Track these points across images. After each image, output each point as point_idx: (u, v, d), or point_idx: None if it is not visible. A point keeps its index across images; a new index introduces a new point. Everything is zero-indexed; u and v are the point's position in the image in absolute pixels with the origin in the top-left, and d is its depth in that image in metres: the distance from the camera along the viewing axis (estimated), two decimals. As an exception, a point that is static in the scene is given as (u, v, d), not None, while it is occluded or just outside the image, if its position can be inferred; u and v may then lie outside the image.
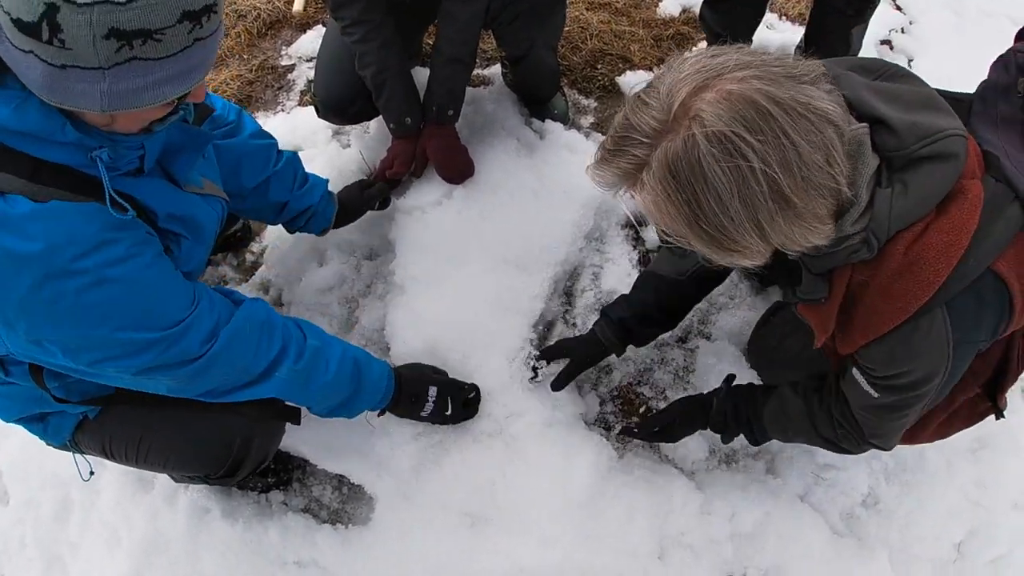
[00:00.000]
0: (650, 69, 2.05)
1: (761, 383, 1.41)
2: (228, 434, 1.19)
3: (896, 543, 1.46)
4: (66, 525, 1.54)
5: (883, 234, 0.78)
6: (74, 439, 1.19)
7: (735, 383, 1.30)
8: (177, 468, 1.28)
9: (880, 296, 0.83)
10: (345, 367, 1.22)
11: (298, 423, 1.28)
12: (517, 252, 1.61)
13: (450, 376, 1.47)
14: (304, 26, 2.20)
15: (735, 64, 0.70)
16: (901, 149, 0.77)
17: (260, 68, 2.11)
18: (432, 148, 1.63)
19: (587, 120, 1.97)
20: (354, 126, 1.86)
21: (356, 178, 1.81)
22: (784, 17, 2.22)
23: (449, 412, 1.41)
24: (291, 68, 2.12)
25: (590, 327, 1.44)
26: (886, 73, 0.85)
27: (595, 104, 2.00)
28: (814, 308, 0.92)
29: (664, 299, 1.34)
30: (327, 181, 1.55)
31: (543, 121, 1.86)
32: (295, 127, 1.92)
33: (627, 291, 1.66)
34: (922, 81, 0.85)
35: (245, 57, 2.14)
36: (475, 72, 1.93)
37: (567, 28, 1.97)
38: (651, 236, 1.75)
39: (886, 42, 2.21)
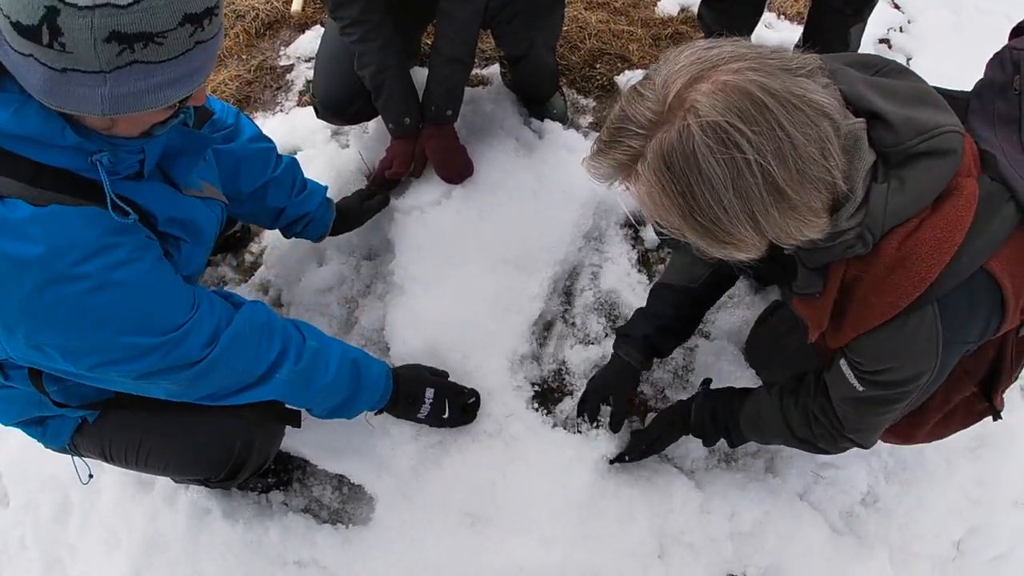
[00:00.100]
0: (648, 68, 2.05)
1: (742, 386, 1.42)
2: (228, 438, 1.19)
3: (896, 541, 1.46)
4: (66, 526, 1.54)
5: (878, 229, 0.78)
6: (73, 443, 1.19)
7: (712, 387, 1.31)
8: (177, 472, 1.28)
9: (872, 290, 0.83)
10: (344, 368, 1.22)
11: (298, 426, 1.28)
12: (516, 252, 1.61)
13: (450, 377, 1.47)
14: (303, 26, 2.20)
15: (731, 55, 0.70)
16: (898, 145, 0.77)
17: (259, 68, 2.11)
18: (431, 148, 1.63)
19: (586, 120, 1.97)
20: (353, 126, 1.86)
21: (355, 178, 1.81)
22: (783, 16, 2.22)
23: (446, 415, 1.41)
24: (289, 68, 2.12)
25: (611, 355, 1.41)
26: (884, 69, 0.85)
27: (594, 103, 2.00)
28: (809, 303, 0.92)
29: (682, 310, 1.34)
30: (326, 188, 1.55)
31: (542, 121, 1.86)
32: (294, 127, 1.92)
33: (627, 291, 1.67)
34: (919, 77, 0.85)
35: (244, 57, 2.14)
36: (474, 72, 1.93)
37: (565, 28, 1.97)
38: (650, 235, 1.75)
39: (884, 41, 2.21)
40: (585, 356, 1.60)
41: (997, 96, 0.87)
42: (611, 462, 1.44)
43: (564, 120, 1.89)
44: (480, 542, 1.40)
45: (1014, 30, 0.96)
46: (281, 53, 2.15)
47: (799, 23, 2.16)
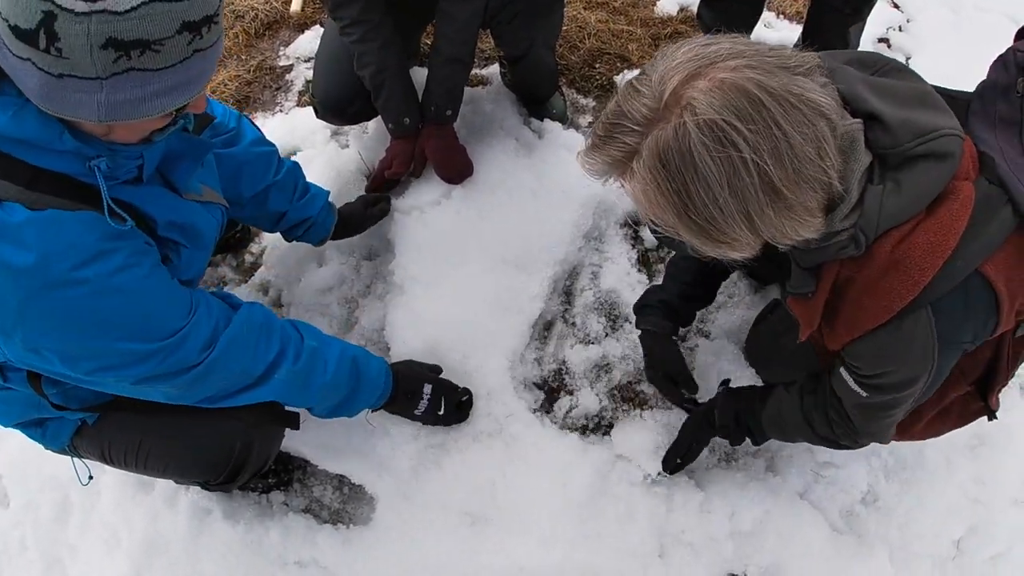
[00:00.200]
0: (648, 68, 2.05)
1: (761, 383, 1.42)
2: (227, 440, 1.19)
3: (896, 540, 1.46)
4: (66, 527, 1.54)
5: (872, 231, 0.77)
6: (73, 444, 1.19)
7: (731, 386, 1.31)
8: (176, 474, 1.28)
9: (866, 293, 0.83)
10: (343, 366, 1.22)
11: (297, 428, 1.28)
12: (516, 252, 1.61)
13: (451, 377, 1.47)
14: (302, 26, 2.19)
15: (728, 53, 0.70)
16: (895, 147, 0.76)
17: (258, 69, 2.11)
18: (431, 148, 1.63)
19: (585, 119, 1.97)
20: (352, 126, 1.86)
21: (355, 178, 1.81)
22: (782, 16, 2.22)
23: (442, 412, 1.41)
24: (289, 68, 2.12)
25: (639, 337, 1.40)
26: (883, 68, 0.84)
27: (593, 103, 2.00)
28: (802, 302, 0.92)
29: (698, 276, 1.33)
30: (328, 193, 1.55)
31: (542, 121, 1.86)
32: (293, 128, 1.92)
33: (627, 290, 1.67)
34: (919, 77, 0.84)
35: (243, 58, 2.14)
36: (473, 72, 1.93)
37: (565, 27, 1.97)
38: (650, 235, 1.75)
39: (884, 40, 2.21)
40: (585, 356, 1.60)
41: (999, 98, 0.87)
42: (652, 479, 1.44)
43: (564, 120, 1.89)
44: (480, 542, 1.40)
45: (1020, 32, 0.95)
46: (280, 53, 2.15)
47: (798, 22, 2.16)
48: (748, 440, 1.28)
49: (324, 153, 1.86)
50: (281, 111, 2.03)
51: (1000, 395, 1.09)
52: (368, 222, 1.64)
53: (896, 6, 2.30)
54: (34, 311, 0.86)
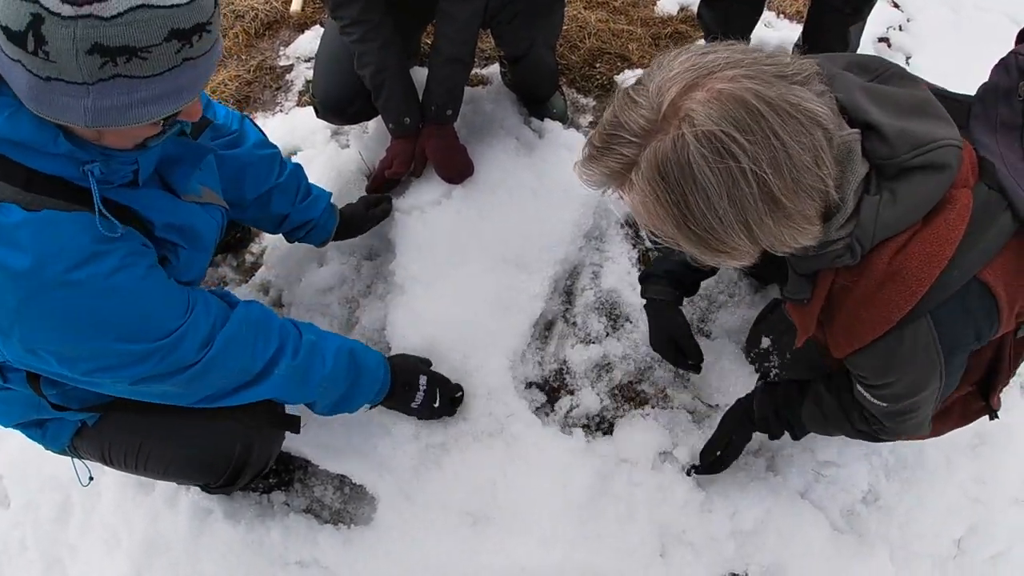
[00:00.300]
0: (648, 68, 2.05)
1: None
2: (227, 443, 1.19)
3: (896, 540, 1.46)
4: (66, 527, 1.54)
5: (867, 241, 0.78)
6: (73, 445, 1.19)
7: (768, 389, 1.30)
8: (176, 477, 1.28)
9: (863, 305, 0.83)
10: (341, 359, 1.22)
11: (297, 431, 1.28)
12: (517, 251, 1.61)
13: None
14: (302, 26, 2.19)
15: (725, 62, 0.70)
16: (892, 157, 0.76)
17: (258, 68, 2.11)
18: (431, 148, 1.63)
19: (586, 119, 1.97)
20: (353, 126, 1.86)
21: (355, 178, 1.81)
22: (782, 15, 2.22)
23: (437, 404, 1.41)
24: (289, 68, 2.12)
25: (645, 306, 1.39)
26: (884, 74, 0.84)
27: (594, 103, 2.00)
28: (798, 308, 0.93)
29: None
30: (330, 194, 1.55)
31: (542, 120, 1.86)
32: (294, 127, 1.92)
33: (627, 290, 1.67)
34: (920, 84, 0.84)
35: (243, 58, 2.14)
36: (473, 72, 1.93)
37: (565, 27, 1.97)
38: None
39: (884, 39, 2.21)
40: (586, 356, 1.60)
41: (1000, 102, 0.87)
42: (690, 473, 1.42)
43: (564, 119, 1.89)
44: (481, 542, 1.40)
45: (1020, 34, 0.95)
46: (280, 53, 2.15)
47: (798, 22, 2.16)
48: (787, 434, 1.27)
49: (324, 153, 1.86)
50: (281, 111, 2.03)
51: (1001, 394, 1.10)
52: (370, 223, 1.64)
53: (896, 5, 2.30)
54: (31, 312, 0.86)
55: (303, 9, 2.22)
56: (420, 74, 1.66)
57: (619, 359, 1.61)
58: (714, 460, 1.37)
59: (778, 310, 1.41)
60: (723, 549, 1.40)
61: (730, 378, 1.55)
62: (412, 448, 1.47)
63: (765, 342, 1.42)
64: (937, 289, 0.79)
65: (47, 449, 1.21)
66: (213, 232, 1.13)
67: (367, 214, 1.63)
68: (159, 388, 1.02)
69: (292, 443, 1.47)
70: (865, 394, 0.98)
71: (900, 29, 2.25)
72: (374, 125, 1.85)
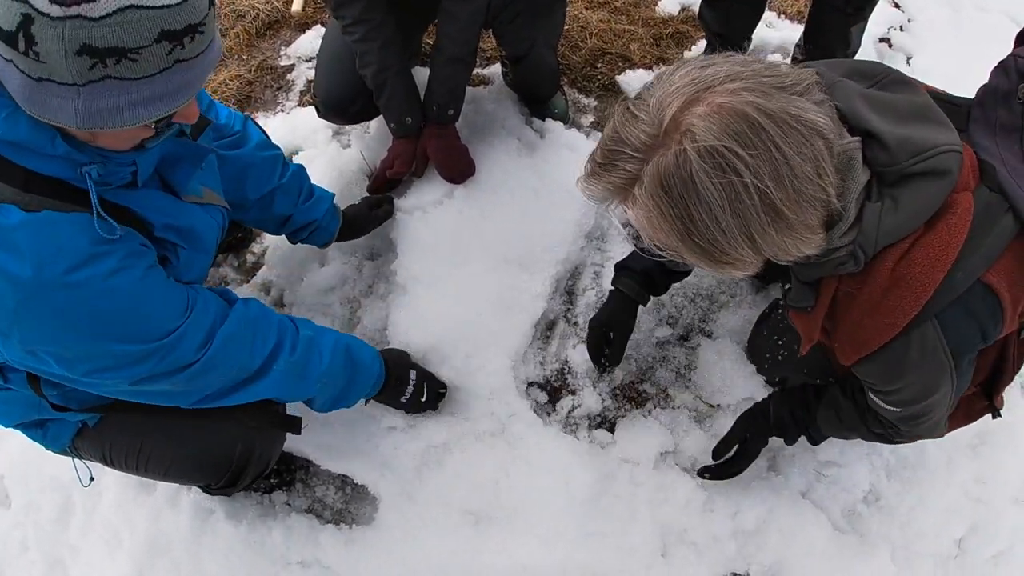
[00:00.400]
0: (650, 68, 2.05)
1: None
2: (228, 444, 1.19)
3: (897, 540, 1.47)
4: (67, 527, 1.54)
5: (871, 248, 0.78)
6: (74, 446, 1.19)
7: (785, 391, 1.30)
8: (177, 478, 1.28)
9: (868, 312, 0.84)
10: (338, 354, 1.23)
11: (298, 432, 1.28)
12: (518, 251, 1.61)
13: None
14: (303, 26, 2.19)
15: (726, 75, 0.70)
16: (892, 165, 0.76)
17: (259, 68, 2.11)
18: (433, 148, 1.63)
19: (587, 119, 1.97)
20: (354, 126, 1.86)
21: (357, 178, 1.81)
22: (783, 15, 2.22)
23: (424, 399, 1.42)
24: (290, 68, 2.11)
25: (609, 291, 1.44)
26: (883, 80, 0.84)
27: (595, 103, 2.00)
28: (802, 315, 0.93)
29: None
30: (333, 195, 1.55)
31: (543, 120, 1.86)
32: (295, 127, 1.92)
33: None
34: (919, 89, 0.84)
35: (244, 57, 2.14)
36: (475, 72, 1.93)
37: (566, 27, 1.97)
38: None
39: (885, 40, 2.21)
40: (587, 355, 1.60)
41: (1000, 104, 0.87)
42: (702, 475, 1.39)
43: (566, 119, 1.89)
44: (483, 541, 1.40)
45: (1019, 36, 0.95)
46: (282, 53, 2.15)
47: (799, 22, 2.17)
48: (804, 438, 1.27)
49: (326, 153, 1.86)
50: (282, 111, 2.03)
51: (1003, 393, 1.10)
52: (372, 224, 1.64)
53: (897, 6, 2.30)
54: (30, 313, 0.86)
55: (304, 9, 2.22)
56: (421, 74, 1.66)
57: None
58: (726, 463, 1.36)
59: (780, 310, 1.41)
60: (725, 549, 1.40)
61: (732, 378, 1.55)
62: (414, 448, 1.47)
63: (768, 344, 1.42)
64: (942, 293, 0.80)
65: (48, 449, 1.21)
66: (214, 233, 1.13)
67: (370, 215, 1.63)
68: (159, 388, 1.02)
69: (294, 443, 1.47)
70: (877, 400, 0.99)
71: (901, 29, 2.25)
72: (376, 125, 1.85)
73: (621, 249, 1.72)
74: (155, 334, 0.95)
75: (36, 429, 1.17)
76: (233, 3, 2.21)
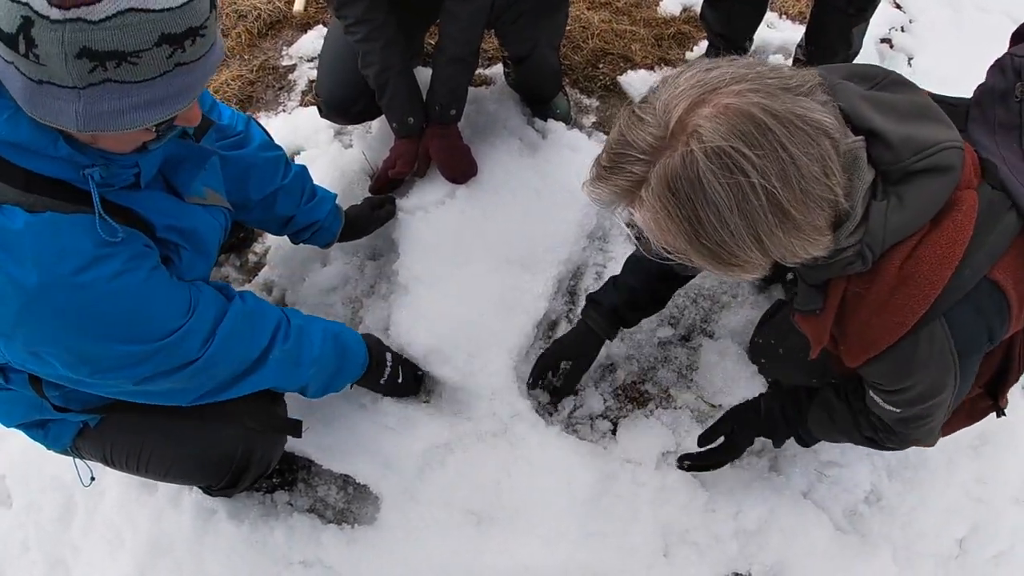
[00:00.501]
0: (651, 68, 2.05)
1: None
2: (229, 445, 1.19)
3: (899, 540, 1.47)
4: (69, 527, 1.54)
5: (878, 247, 0.78)
6: (75, 446, 1.19)
7: (779, 390, 1.31)
8: (178, 478, 1.28)
9: (876, 312, 0.84)
10: (328, 340, 1.26)
11: (299, 435, 1.29)
12: (520, 251, 1.61)
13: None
14: (305, 26, 2.19)
15: (731, 77, 0.70)
16: (897, 162, 0.77)
17: (261, 68, 2.11)
18: (435, 148, 1.63)
19: (589, 119, 1.97)
20: (356, 126, 1.86)
21: (359, 178, 1.81)
22: (784, 16, 2.23)
23: (400, 381, 1.45)
24: (292, 68, 2.11)
25: (578, 319, 1.45)
26: (883, 82, 0.85)
27: (597, 103, 2.01)
28: (810, 319, 0.92)
29: (654, 284, 1.35)
30: (335, 196, 1.55)
31: (545, 121, 1.86)
32: (296, 127, 1.92)
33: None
34: (918, 90, 0.85)
35: (246, 57, 2.14)
36: (477, 72, 1.93)
37: (568, 28, 1.97)
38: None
39: (886, 40, 2.22)
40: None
41: (998, 103, 0.87)
42: (682, 465, 1.38)
43: (567, 120, 1.89)
44: (485, 541, 1.41)
45: (1014, 35, 0.96)
46: (283, 53, 2.15)
47: (801, 23, 2.17)
48: (794, 440, 1.27)
49: (328, 153, 1.86)
50: (284, 111, 2.03)
51: (1008, 393, 1.10)
52: (374, 224, 1.65)
53: (898, 6, 2.30)
54: (33, 316, 0.86)
55: (306, 9, 2.22)
56: (424, 74, 1.66)
57: (622, 359, 1.61)
58: (707, 453, 1.35)
59: (782, 311, 1.41)
60: (726, 549, 1.40)
61: (733, 378, 1.56)
62: (416, 448, 1.47)
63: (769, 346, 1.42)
64: (950, 291, 0.80)
65: (49, 449, 1.21)
66: (216, 234, 1.13)
67: (372, 215, 1.64)
68: (162, 386, 1.02)
69: (296, 443, 1.46)
70: (879, 400, 0.98)
71: (902, 30, 2.25)
72: (378, 125, 1.85)
73: (623, 249, 1.72)
74: (158, 333, 0.96)
75: (37, 429, 1.17)
76: (235, 3, 2.20)
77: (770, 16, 2.20)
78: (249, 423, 1.19)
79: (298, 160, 1.81)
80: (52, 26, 0.70)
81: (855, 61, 1.87)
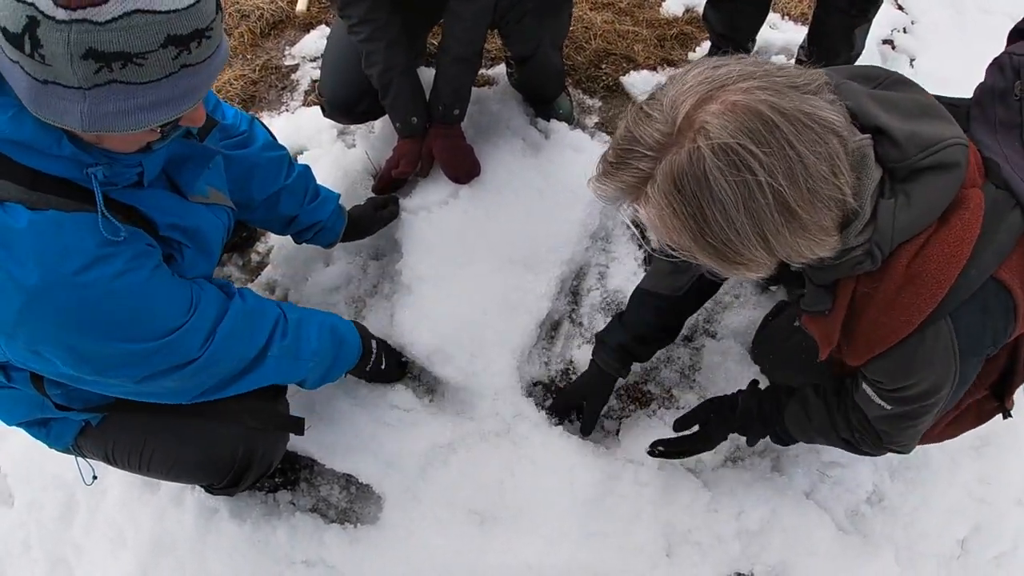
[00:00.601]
0: (654, 69, 2.05)
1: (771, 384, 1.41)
2: (231, 444, 1.19)
3: (901, 540, 1.47)
4: (70, 526, 1.54)
5: (887, 245, 0.78)
6: (77, 444, 1.19)
7: (758, 387, 1.31)
8: (180, 477, 1.28)
9: (884, 310, 0.83)
10: (325, 332, 1.26)
11: (301, 433, 1.29)
12: (523, 251, 1.61)
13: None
14: (307, 26, 2.19)
15: (739, 75, 0.70)
16: (903, 160, 0.76)
17: (264, 68, 2.11)
18: (438, 148, 1.63)
19: (592, 120, 1.97)
20: (359, 126, 1.86)
21: (362, 178, 1.81)
22: (787, 17, 2.23)
23: (384, 367, 1.46)
24: (295, 68, 2.12)
25: (590, 360, 1.43)
26: (886, 81, 0.85)
27: (599, 104, 2.01)
28: (818, 320, 0.92)
29: (664, 318, 1.34)
30: (338, 196, 1.55)
31: (548, 121, 1.87)
32: (299, 127, 1.92)
33: (631, 290, 1.66)
34: (921, 88, 0.85)
35: (249, 57, 2.14)
36: (480, 72, 1.93)
37: (571, 28, 1.97)
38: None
39: (888, 42, 2.22)
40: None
41: (998, 102, 0.87)
42: (653, 452, 1.36)
43: (570, 120, 1.89)
44: (488, 541, 1.41)
45: (1012, 33, 0.96)
46: (286, 53, 2.15)
47: (803, 24, 2.17)
48: (769, 438, 1.27)
49: (330, 153, 1.86)
50: (287, 111, 2.03)
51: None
52: (377, 225, 1.65)
53: (900, 8, 2.30)
54: (34, 316, 0.86)
55: (308, 9, 2.22)
56: (427, 74, 1.66)
57: (625, 359, 1.61)
58: (682, 440, 1.34)
59: (785, 312, 1.41)
60: (729, 549, 1.40)
61: (736, 379, 1.56)
62: (419, 447, 1.47)
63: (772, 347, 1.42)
64: (957, 290, 0.80)
65: (51, 448, 1.21)
66: (219, 233, 1.13)
67: (375, 216, 1.64)
68: (162, 384, 1.02)
69: (298, 442, 1.47)
70: (873, 396, 0.97)
71: (904, 31, 2.25)
72: (380, 125, 1.85)
73: (626, 249, 1.72)
74: (159, 332, 0.96)
75: (39, 427, 1.17)
76: (238, 3, 2.21)
77: (772, 17, 2.20)
78: (251, 421, 1.19)
79: (301, 160, 1.81)
80: (58, 26, 0.70)
81: (857, 62, 1.88)
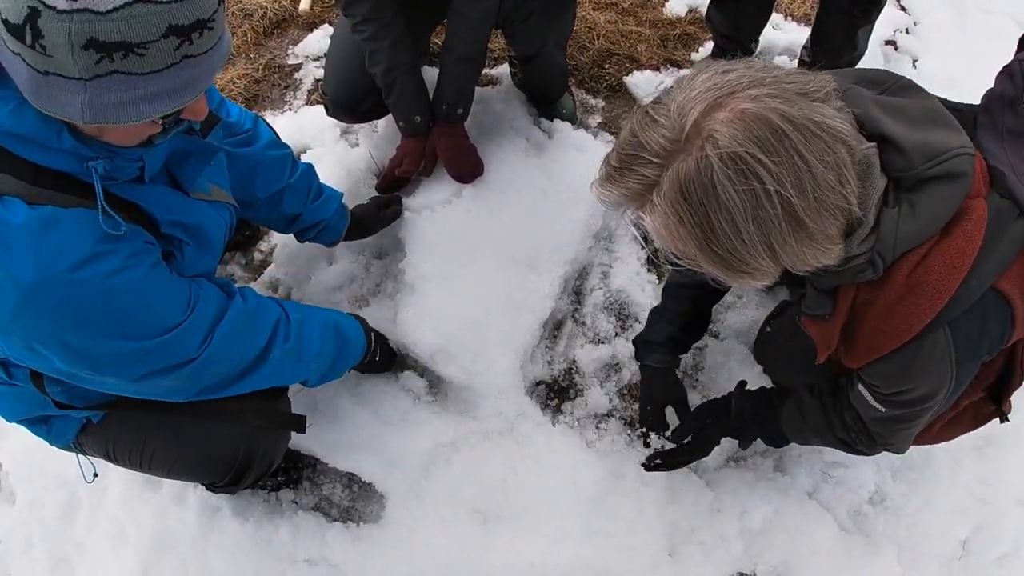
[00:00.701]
0: (657, 69, 2.05)
1: (773, 384, 1.42)
2: (232, 443, 1.19)
3: (903, 540, 1.47)
4: (72, 524, 1.54)
5: (889, 255, 0.78)
6: (78, 442, 1.19)
7: (747, 387, 1.31)
8: (181, 475, 1.28)
9: (883, 317, 0.83)
10: (328, 333, 1.26)
11: (303, 431, 1.28)
12: (527, 251, 1.61)
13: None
14: (311, 25, 2.19)
15: (748, 81, 0.69)
16: (909, 169, 0.76)
17: (267, 67, 2.11)
18: (441, 147, 1.63)
19: (595, 120, 1.97)
20: (363, 125, 1.86)
21: (365, 177, 1.81)
22: (790, 18, 2.23)
23: (378, 359, 1.47)
24: (298, 67, 2.12)
25: (640, 368, 1.39)
26: (893, 87, 0.84)
27: (603, 104, 2.01)
28: (818, 323, 0.92)
29: (699, 306, 1.35)
30: (341, 195, 1.55)
31: (551, 121, 1.87)
32: (302, 126, 1.92)
33: (636, 290, 1.68)
34: (927, 94, 0.84)
35: (252, 56, 2.14)
36: (483, 72, 1.93)
37: (574, 28, 1.97)
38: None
39: (891, 42, 2.22)
40: (595, 355, 1.60)
41: (1007, 110, 0.87)
42: (648, 466, 1.36)
43: (574, 120, 1.89)
44: (491, 540, 1.41)
45: (1022, 40, 0.96)
46: (289, 52, 2.15)
47: (806, 24, 2.17)
48: (762, 440, 1.28)
49: (334, 152, 1.86)
50: (290, 110, 2.03)
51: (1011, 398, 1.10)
52: (380, 224, 1.65)
53: (903, 8, 2.31)
54: (30, 311, 0.86)
55: (312, 8, 2.22)
56: (431, 73, 1.66)
57: (628, 359, 1.61)
58: (674, 451, 1.33)
59: (787, 312, 1.42)
60: (731, 548, 1.40)
61: (738, 379, 1.54)
62: (422, 446, 1.47)
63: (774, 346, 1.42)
64: (957, 300, 0.80)
65: (52, 445, 1.21)
66: (221, 230, 1.12)
67: (378, 215, 1.64)
68: (160, 383, 1.02)
69: (301, 441, 1.47)
70: (868, 398, 0.97)
71: (907, 32, 2.26)
72: (384, 124, 1.85)
73: (629, 249, 1.72)
74: (157, 330, 0.95)
75: (40, 425, 1.17)
76: (240, 2, 2.21)
77: (775, 18, 2.20)
78: (252, 419, 1.19)
79: (304, 159, 1.81)
80: (59, 16, 0.70)
81: (860, 63, 1.88)
